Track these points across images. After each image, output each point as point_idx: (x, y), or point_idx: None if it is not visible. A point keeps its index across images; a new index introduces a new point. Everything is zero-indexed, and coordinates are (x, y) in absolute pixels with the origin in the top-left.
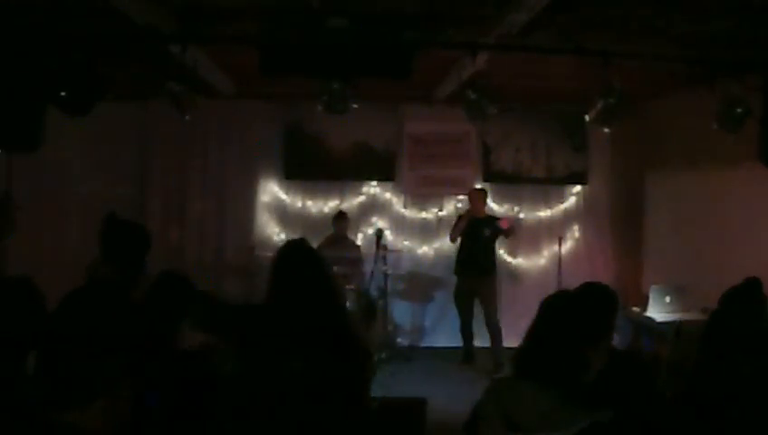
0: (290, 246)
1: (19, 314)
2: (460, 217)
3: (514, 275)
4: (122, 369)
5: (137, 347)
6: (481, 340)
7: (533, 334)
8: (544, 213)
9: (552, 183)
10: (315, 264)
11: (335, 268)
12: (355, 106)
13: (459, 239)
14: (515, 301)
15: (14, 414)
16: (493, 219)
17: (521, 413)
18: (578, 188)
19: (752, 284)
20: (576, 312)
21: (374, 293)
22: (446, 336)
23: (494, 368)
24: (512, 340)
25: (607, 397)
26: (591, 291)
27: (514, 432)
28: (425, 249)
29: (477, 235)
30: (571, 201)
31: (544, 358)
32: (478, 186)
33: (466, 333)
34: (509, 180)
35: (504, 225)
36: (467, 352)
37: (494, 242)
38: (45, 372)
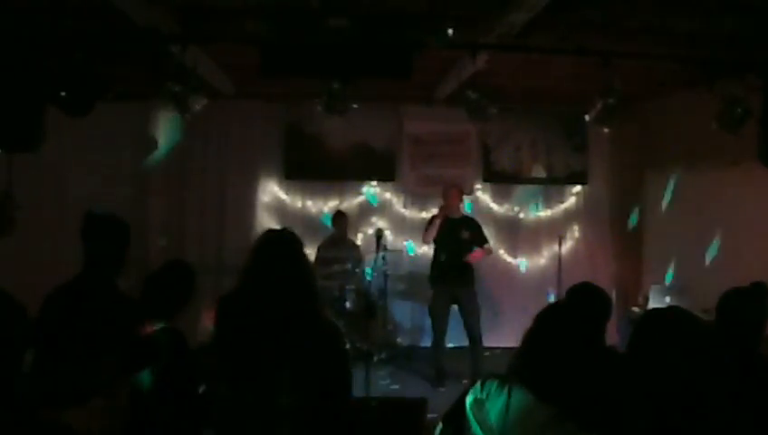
0: (270, 235)
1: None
2: (434, 217)
3: (514, 274)
4: (119, 368)
5: (129, 344)
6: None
7: (529, 346)
8: (544, 213)
9: (552, 183)
10: (293, 255)
11: (335, 268)
12: (355, 106)
13: (433, 244)
14: (515, 301)
15: (9, 413)
16: (469, 220)
17: (516, 422)
18: (578, 188)
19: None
20: (570, 325)
21: (374, 293)
22: (446, 336)
23: (472, 375)
24: (510, 340)
25: (604, 413)
26: (584, 298)
27: None
28: (425, 249)
29: (456, 237)
30: (571, 201)
31: (542, 371)
32: (478, 185)
33: (441, 348)
34: (509, 180)
35: (475, 258)
36: (441, 373)
37: (472, 246)
38: (42, 370)
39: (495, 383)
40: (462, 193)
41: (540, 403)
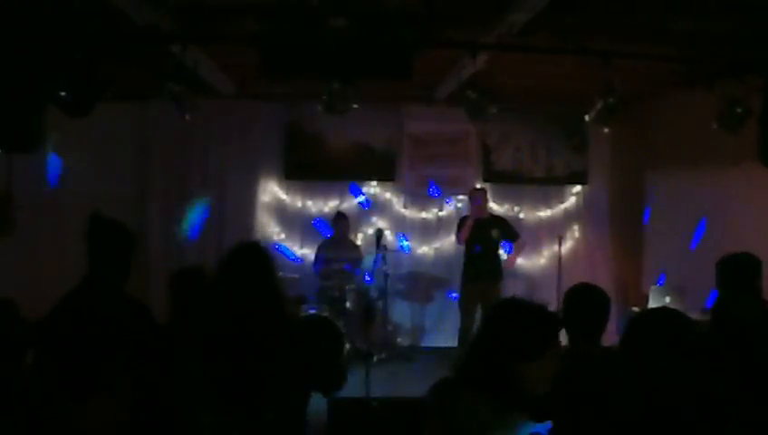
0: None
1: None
2: (464, 219)
3: (514, 275)
4: (120, 368)
5: (134, 346)
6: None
7: (476, 340)
8: (544, 213)
9: (552, 183)
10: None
11: (335, 268)
12: (355, 106)
13: (464, 244)
14: None
15: (11, 411)
16: (497, 219)
17: (462, 419)
18: (578, 188)
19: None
20: (514, 326)
21: (374, 293)
22: (445, 336)
23: None
24: None
25: (554, 406)
26: (582, 299)
27: None
28: (425, 249)
29: (487, 237)
30: (571, 201)
31: (481, 368)
32: (478, 185)
33: (467, 343)
34: (509, 180)
35: (512, 261)
36: None
37: (503, 242)
38: (43, 369)
39: (447, 387)
40: (486, 193)
41: (486, 399)
